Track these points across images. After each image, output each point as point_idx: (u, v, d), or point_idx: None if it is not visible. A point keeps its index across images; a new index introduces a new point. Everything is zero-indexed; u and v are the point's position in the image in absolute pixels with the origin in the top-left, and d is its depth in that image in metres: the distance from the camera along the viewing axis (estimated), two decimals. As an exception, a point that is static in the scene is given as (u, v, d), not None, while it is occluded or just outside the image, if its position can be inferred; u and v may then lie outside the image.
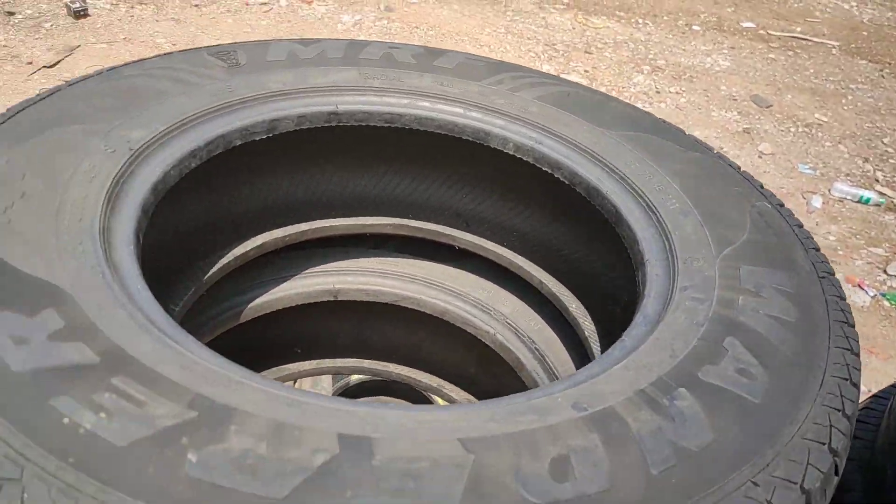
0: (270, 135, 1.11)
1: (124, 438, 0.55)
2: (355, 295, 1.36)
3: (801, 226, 0.95)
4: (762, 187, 1.03)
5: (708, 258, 0.87)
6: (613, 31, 5.21)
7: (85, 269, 0.72)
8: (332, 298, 1.35)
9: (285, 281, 1.34)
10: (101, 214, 0.81)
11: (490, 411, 0.64)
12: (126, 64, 1.09)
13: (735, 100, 4.50)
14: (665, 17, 5.56)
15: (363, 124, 1.19)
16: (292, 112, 1.13)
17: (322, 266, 1.37)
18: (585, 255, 1.25)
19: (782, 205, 0.99)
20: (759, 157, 3.90)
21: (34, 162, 0.83)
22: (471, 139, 1.19)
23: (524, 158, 1.17)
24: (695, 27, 5.46)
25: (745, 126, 4.20)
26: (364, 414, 0.62)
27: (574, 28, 5.18)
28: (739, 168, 1.09)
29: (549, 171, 1.14)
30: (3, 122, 0.90)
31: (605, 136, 1.13)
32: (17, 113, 0.93)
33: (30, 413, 0.56)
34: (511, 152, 1.17)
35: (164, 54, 1.15)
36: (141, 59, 1.12)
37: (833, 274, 0.86)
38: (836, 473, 0.65)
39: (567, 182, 1.12)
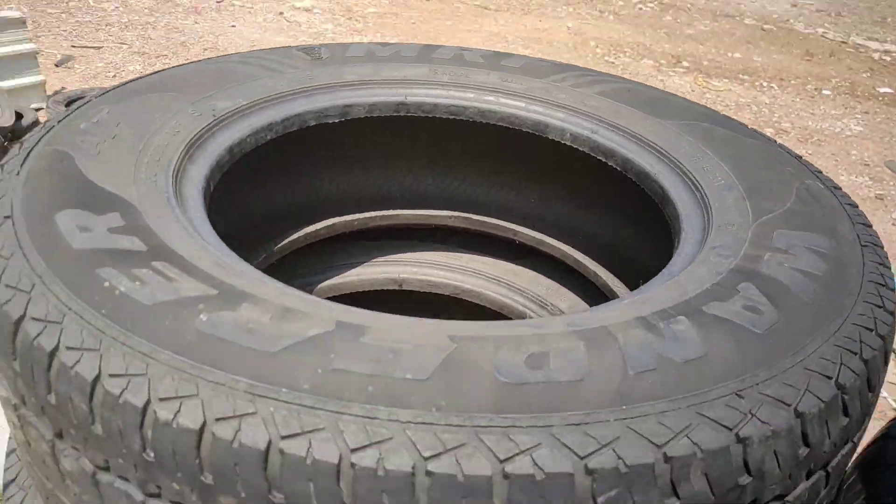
0: (342, 119, 1.22)
1: (151, 300, 0.63)
2: (418, 285, 1.42)
3: (854, 205, 0.91)
4: (820, 172, 1.00)
5: (744, 224, 0.86)
6: (736, 94, 5.11)
7: (154, 193, 0.84)
8: (396, 287, 1.42)
9: (354, 267, 1.43)
10: (178, 159, 0.93)
11: (488, 325, 0.67)
12: (226, 54, 1.25)
13: (867, 165, 4.24)
14: (793, 82, 5.38)
15: (430, 116, 1.27)
16: (364, 100, 1.23)
17: (389, 256, 1.44)
18: (640, 249, 1.24)
19: (838, 187, 0.96)
20: (893, 224, 3.62)
21: (129, 115, 0.98)
22: (530, 131, 1.24)
23: (580, 148, 1.20)
24: (825, 92, 5.24)
25: (877, 192, 3.92)
26: (368, 315, 0.67)
27: (693, 91, 5.12)
28: (801, 157, 1.06)
29: (603, 160, 1.17)
30: (114, 89, 1.06)
31: (661, 125, 1.14)
32: (127, 83, 1.09)
33: (78, 278, 0.66)
34: (568, 143, 1.21)
35: (259, 49, 1.30)
36: (238, 52, 1.28)
37: (881, 246, 0.82)
38: (846, 413, 0.62)
39: (619, 169, 1.14)
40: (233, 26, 8.83)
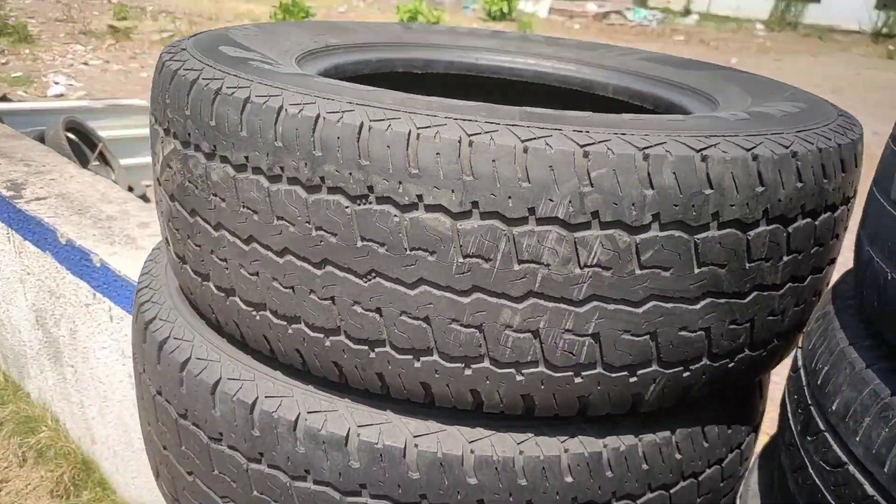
0: (424, 71, 1.51)
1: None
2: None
3: (844, 113, 1.10)
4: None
5: (742, 107, 1.06)
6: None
7: (284, 59, 1.12)
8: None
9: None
10: (300, 56, 1.22)
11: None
12: (341, 20, 1.58)
13: None
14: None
15: (497, 76, 1.54)
16: (444, 58, 1.53)
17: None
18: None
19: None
20: None
21: (269, 31, 1.29)
22: (579, 88, 1.49)
23: (620, 98, 1.43)
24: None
25: None
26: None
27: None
28: (797, 87, 1.26)
29: (640, 104, 1.39)
30: (258, 24, 1.39)
31: (690, 74, 1.37)
32: (267, 24, 1.42)
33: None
34: (610, 94, 1.45)
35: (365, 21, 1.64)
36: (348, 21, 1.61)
37: (856, 122, 0.99)
38: (800, 177, 0.79)
39: (652, 108, 1.36)
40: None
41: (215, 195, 0.87)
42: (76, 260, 2.03)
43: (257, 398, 0.91)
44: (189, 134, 0.89)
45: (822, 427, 0.73)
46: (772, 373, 1.12)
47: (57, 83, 10.44)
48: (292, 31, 1.36)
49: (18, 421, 2.52)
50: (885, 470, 0.63)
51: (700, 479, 0.97)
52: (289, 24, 1.41)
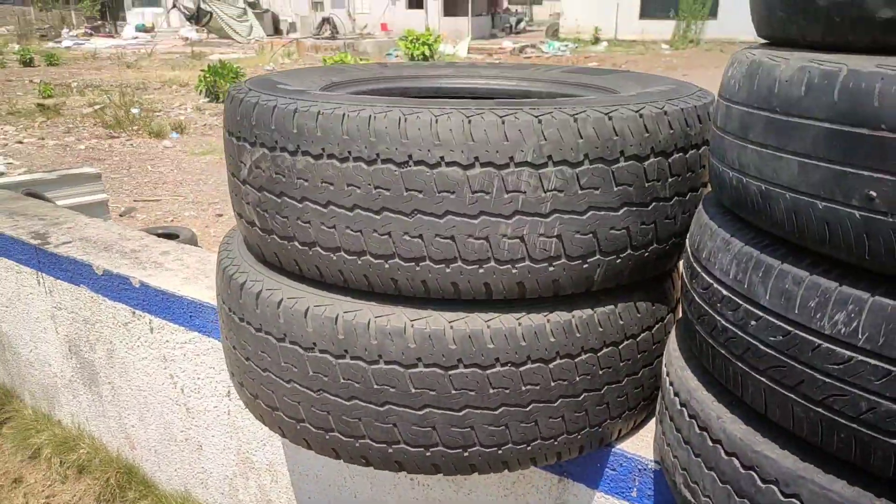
0: (404, 94, 1.98)
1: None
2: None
3: (702, 89, 1.62)
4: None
5: (634, 92, 1.57)
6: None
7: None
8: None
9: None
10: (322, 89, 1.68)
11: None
12: (329, 66, 2.04)
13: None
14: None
15: (457, 94, 2.04)
16: (415, 85, 2.01)
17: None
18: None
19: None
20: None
21: (293, 75, 1.74)
22: (520, 97, 2.00)
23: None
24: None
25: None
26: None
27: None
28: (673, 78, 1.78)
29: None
30: (285, 72, 1.84)
31: (598, 77, 1.89)
32: (291, 70, 1.87)
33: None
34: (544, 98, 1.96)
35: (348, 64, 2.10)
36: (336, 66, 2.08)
37: (709, 94, 1.51)
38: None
39: (575, 105, 1.87)
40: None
41: (300, 178, 1.31)
42: (114, 286, 2.40)
43: (339, 314, 1.34)
44: (276, 141, 1.33)
45: (699, 270, 1.21)
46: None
47: (-6, 163, 10.43)
48: (306, 73, 1.82)
49: (56, 444, 2.82)
50: (729, 277, 1.11)
51: (637, 339, 1.45)
52: (301, 70, 1.86)
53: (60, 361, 2.80)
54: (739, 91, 1.09)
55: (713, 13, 25.25)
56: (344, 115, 1.26)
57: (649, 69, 18.61)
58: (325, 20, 32.43)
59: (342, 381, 1.36)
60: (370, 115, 1.24)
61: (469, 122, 1.21)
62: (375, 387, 1.34)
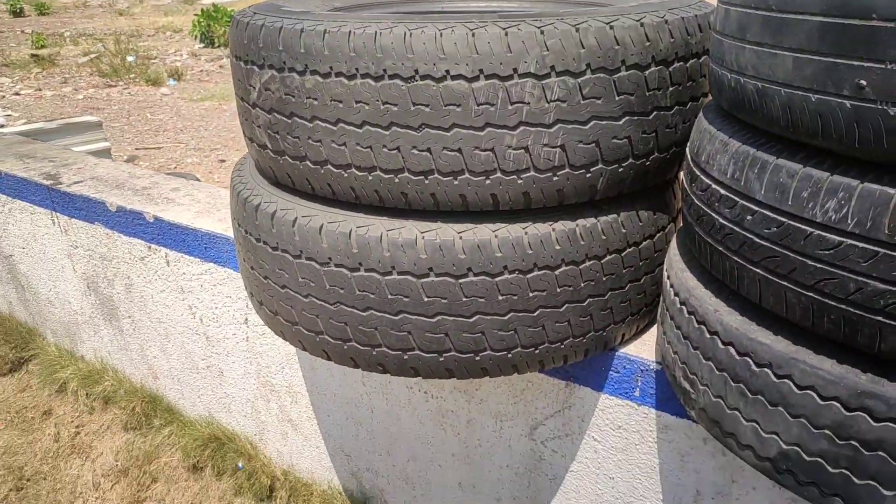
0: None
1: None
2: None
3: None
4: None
5: (632, 3, 1.58)
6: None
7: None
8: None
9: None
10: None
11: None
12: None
13: None
14: None
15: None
16: (420, 9, 2.01)
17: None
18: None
19: None
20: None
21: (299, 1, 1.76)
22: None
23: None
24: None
25: None
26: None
27: None
28: None
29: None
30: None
31: (599, -2, 1.90)
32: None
33: None
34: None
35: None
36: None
37: (708, 3, 1.53)
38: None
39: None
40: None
41: (309, 97, 1.34)
42: (128, 222, 2.46)
43: (352, 229, 1.40)
44: (284, 62, 1.36)
45: (698, 173, 1.26)
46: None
47: (-6, 115, 10.40)
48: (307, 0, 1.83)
49: (81, 378, 2.93)
50: (726, 177, 1.15)
51: (640, 247, 1.50)
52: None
53: (80, 298, 2.89)
54: (737, -8, 1.11)
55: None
56: (350, 32, 1.28)
57: None
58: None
59: (358, 292, 1.42)
60: (376, 32, 1.27)
61: (473, 34, 1.24)
62: (389, 297, 1.40)
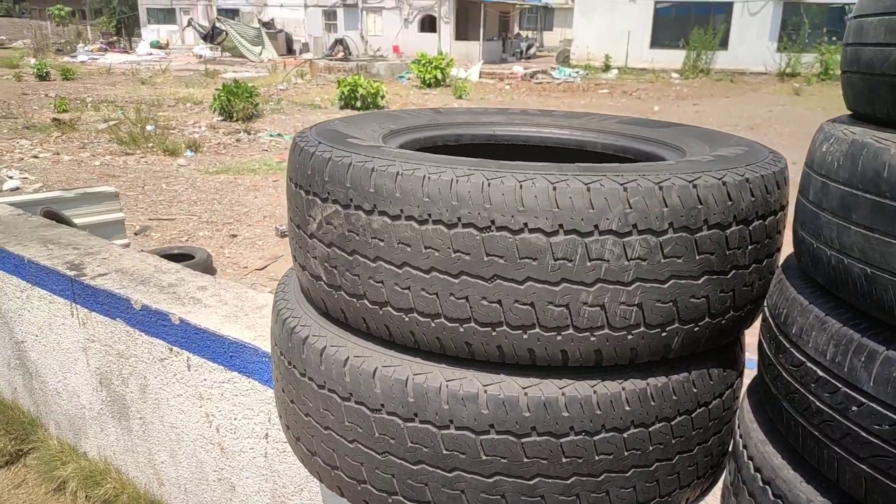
0: (457, 142, 1.97)
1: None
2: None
3: (773, 151, 1.60)
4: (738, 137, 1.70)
5: (705, 153, 1.55)
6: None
7: (373, 140, 1.55)
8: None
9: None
10: (381, 138, 1.67)
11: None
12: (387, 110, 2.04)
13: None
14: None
15: (510, 143, 2.02)
16: (469, 132, 2.00)
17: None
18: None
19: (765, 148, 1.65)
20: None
21: (351, 122, 1.73)
22: (574, 147, 1.98)
23: (607, 153, 1.93)
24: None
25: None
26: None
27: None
28: (738, 136, 1.77)
29: (623, 156, 1.89)
30: (344, 119, 1.83)
31: (657, 130, 1.88)
32: (350, 117, 1.86)
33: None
34: (599, 150, 1.94)
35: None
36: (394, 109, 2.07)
37: (782, 157, 1.50)
38: (751, 191, 1.28)
39: (633, 159, 1.86)
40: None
41: (374, 237, 1.29)
42: (152, 322, 2.38)
43: (409, 375, 1.31)
44: (351, 199, 1.31)
45: (787, 345, 1.18)
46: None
47: (11, 177, 10.50)
48: (362, 120, 1.81)
49: (82, 477, 2.78)
50: (825, 358, 1.08)
51: (710, 407, 1.42)
52: (358, 117, 1.86)
53: (90, 393, 2.77)
54: (839, 170, 1.07)
55: (723, 44, 25.42)
56: (425, 176, 1.24)
57: (660, 97, 18.70)
58: (338, 41, 32.74)
59: (410, 444, 1.32)
60: (452, 178, 1.22)
61: (554, 188, 1.19)
62: (444, 452, 1.30)
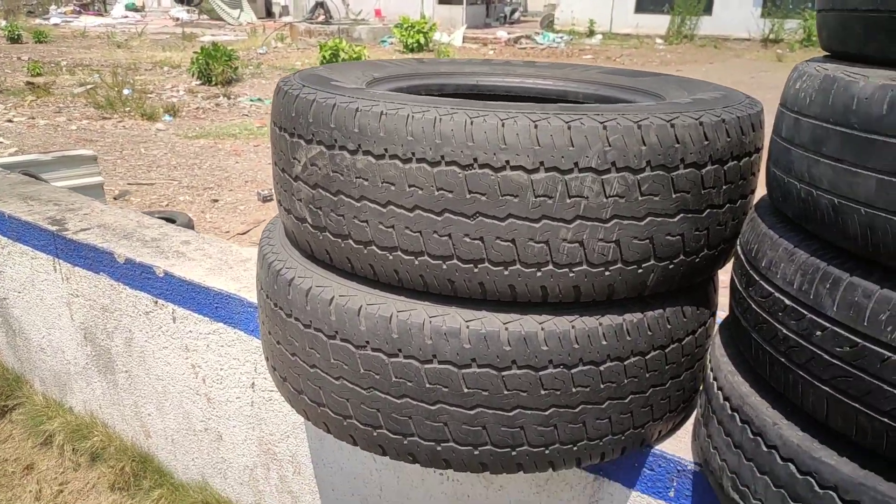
0: (441, 91, 1.98)
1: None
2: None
3: (749, 97, 1.63)
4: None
5: (684, 97, 1.58)
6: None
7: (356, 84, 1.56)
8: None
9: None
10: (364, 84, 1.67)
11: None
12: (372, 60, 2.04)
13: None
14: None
15: (493, 92, 2.04)
16: (453, 81, 2.01)
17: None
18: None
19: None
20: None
21: (337, 72, 1.74)
22: (556, 97, 2.00)
23: (589, 102, 1.95)
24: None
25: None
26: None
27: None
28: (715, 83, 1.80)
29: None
30: (327, 66, 1.83)
31: (638, 80, 1.90)
32: (334, 63, 1.86)
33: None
34: (581, 100, 1.96)
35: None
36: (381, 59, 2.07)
37: (758, 101, 1.53)
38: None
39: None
40: (269, 164, 9.99)
41: (359, 177, 1.31)
42: (136, 275, 2.39)
43: (393, 312, 1.34)
44: (335, 140, 1.32)
45: (757, 278, 1.23)
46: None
47: (-16, 142, 10.26)
48: (346, 68, 1.81)
49: (69, 431, 2.81)
50: (793, 287, 1.13)
51: (682, 343, 1.47)
52: (341, 65, 1.86)
53: (74, 348, 2.78)
54: (811, 105, 1.10)
55: (708, 9, 25.32)
56: (408, 115, 1.26)
57: (644, 63, 18.64)
58: (319, 4, 32.10)
59: (394, 379, 1.36)
60: (435, 117, 1.24)
61: (535, 126, 1.22)
62: (428, 386, 1.35)
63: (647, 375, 1.42)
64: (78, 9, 35.38)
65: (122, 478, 2.58)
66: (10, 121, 11.68)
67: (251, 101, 14.13)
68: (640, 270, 1.33)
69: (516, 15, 36.54)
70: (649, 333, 1.39)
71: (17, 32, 22.75)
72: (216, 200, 8.32)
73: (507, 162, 1.22)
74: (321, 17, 30.23)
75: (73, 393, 2.92)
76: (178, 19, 30.67)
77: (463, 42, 23.48)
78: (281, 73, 17.82)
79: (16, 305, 2.98)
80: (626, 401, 1.41)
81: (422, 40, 20.35)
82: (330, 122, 1.33)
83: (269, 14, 34.54)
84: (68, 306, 2.72)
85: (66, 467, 2.70)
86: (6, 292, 2.99)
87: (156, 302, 2.38)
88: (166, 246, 2.49)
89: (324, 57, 17.16)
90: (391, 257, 1.33)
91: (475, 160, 1.22)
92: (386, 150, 1.27)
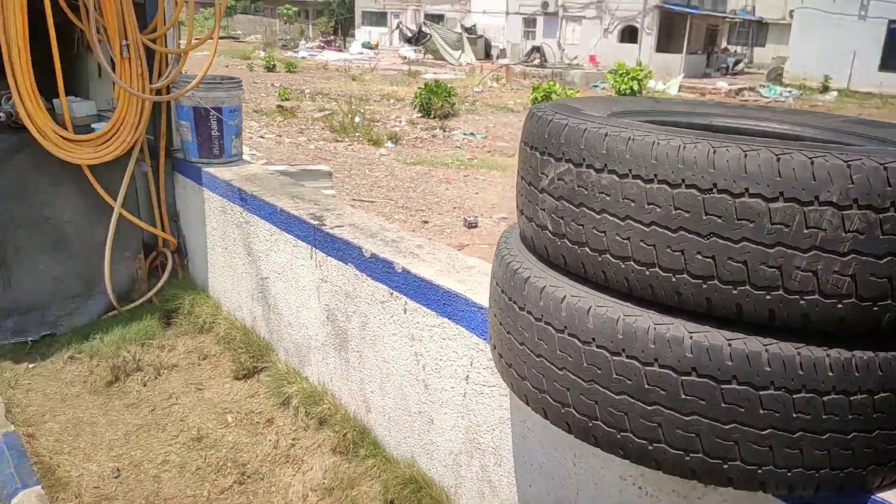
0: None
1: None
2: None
3: None
4: None
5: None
6: None
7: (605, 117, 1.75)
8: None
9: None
10: (609, 116, 1.86)
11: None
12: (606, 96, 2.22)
13: None
14: None
15: (728, 132, 2.12)
16: (688, 120, 2.13)
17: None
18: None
19: None
20: None
21: (584, 104, 1.94)
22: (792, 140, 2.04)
23: (828, 146, 1.96)
24: None
25: None
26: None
27: None
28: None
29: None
30: (576, 99, 2.05)
31: (881, 130, 1.88)
32: (584, 97, 2.08)
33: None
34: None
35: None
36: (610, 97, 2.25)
37: None
38: None
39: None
40: (476, 193, 10.49)
41: (602, 192, 1.49)
42: (378, 268, 2.76)
43: (620, 315, 1.50)
44: (583, 159, 1.52)
45: None
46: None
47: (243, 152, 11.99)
48: (588, 101, 2.02)
49: (303, 396, 3.27)
50: None
51: (916, 390, 1.45)
52: (583, 98, 2.07)
53: (317, 327, 3.26)
54: None
55: (972, 65, 22.28)
56: (654, 141, 1.42)
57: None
58: (535, 48, 33.22)
59: (615, 376, 1.51)
60: (680, 144, 1.39)
61: (778, 159, 1.32)
62: (646, 386, 1.47)
63: (874, 416, 1.42)
64: (322, 44, 39.96)
65: (343, 443, 2.96)
66: (262, 137, 13.53)
67: (464, 134, 15.01)
68: (875, 308, 1.35)
69: (740, 66, 34.85)
70: (880, 373, 1.40)
71: (272, 63, 26.30)
72: (426, 222, 8.97)
73: (747, 189, 1.33)
74: (536, 61, 31.20)
75: (310, 364, 3.40)
76: (405, 57, 33.43)
77: (679, 91, 22.90)
78: (493, 111, 18.70)
79: (275, 285, 3.55)
80: (849, 437, 1.42)
81: (635, 87, 20.22)
82: (580, 144, 1.54)
83: (488, 56, 36.36)
84: (317, 290, 3.19)
85: (299, 426, 3.15)
86: (269, 273, 3.58)
87: (391, 293, 2.73)
88: (403, 247, 2.85)
89: (535, 98, 17.73)
90: (623, 266, 1.49)
91: (714, 185, 1.35)
92: (630, 170, 1.44)
